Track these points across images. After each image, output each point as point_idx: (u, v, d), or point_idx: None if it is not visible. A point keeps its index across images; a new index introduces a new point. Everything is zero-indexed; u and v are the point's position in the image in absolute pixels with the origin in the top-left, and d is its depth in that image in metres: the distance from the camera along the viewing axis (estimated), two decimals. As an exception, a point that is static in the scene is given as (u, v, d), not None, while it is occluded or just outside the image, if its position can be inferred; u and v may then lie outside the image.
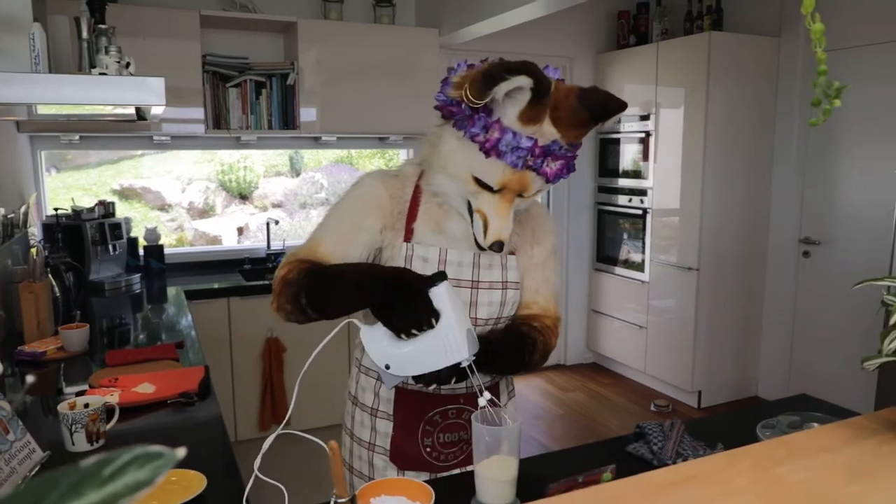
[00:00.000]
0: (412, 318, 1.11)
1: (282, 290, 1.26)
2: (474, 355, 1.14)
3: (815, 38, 1.01)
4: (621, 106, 1.18)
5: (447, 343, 1.11)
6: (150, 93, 1.55)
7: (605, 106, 1.18)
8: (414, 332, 1.12)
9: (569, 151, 1.20)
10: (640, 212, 4.49)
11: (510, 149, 1.15)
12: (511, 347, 1.31)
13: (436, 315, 1.11)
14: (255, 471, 1.07)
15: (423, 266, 1.31)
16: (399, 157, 4.57)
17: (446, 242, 1.32)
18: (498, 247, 1.23)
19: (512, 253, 1.38)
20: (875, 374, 3.24)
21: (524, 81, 1.11)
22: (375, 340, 1.18)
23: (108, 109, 2.02)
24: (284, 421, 1.12)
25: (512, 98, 1.14)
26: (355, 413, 1.46)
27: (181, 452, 0.42)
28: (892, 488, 0.94)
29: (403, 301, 1.12)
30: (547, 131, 1.17)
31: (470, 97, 1.10)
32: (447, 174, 1.24)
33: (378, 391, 1.41)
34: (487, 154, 1.17)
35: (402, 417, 1.37)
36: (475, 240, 1.26)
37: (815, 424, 1.45)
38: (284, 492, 1.10)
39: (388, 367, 1.16)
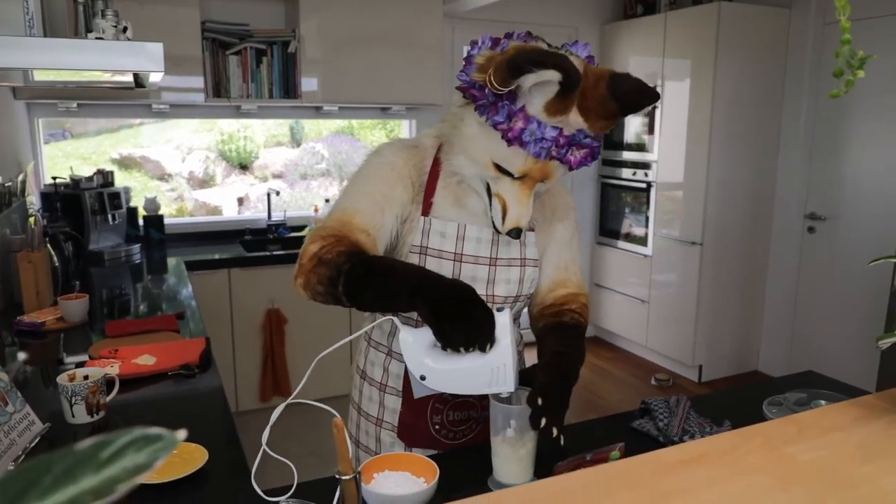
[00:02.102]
0: (473, 335, 1.04)
1: (314, 268, 1.16)
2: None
3: (839, 5, 0.97)
4: (653, 97, 1.12)
5: (496, 373, 1.05)
6: (148, 59, 1.51)
7: (637, 98, 1.11)
8: (464, 349, 1.05)
9: (594, 140, 1.15)
10: (643, 185, 4.45)
11: (534, 139, 1.10)
12: (578, 351, 1.27)
13: (493, 340, 1.05)
14: (263, 445, 1.07)
15: (441, 241, 1.28)
16: (402, 127, 4.52)
17: (466, 218, 1.28)
18: (516, 233, 1.20)
19: (531, 230, 1.35)
20: (878, 352, 3.23)
21: (552, 76, 1.04)
22: (416, 347, 1.10)
23: (106, 76, 1.97)
24: (293, 395, 1.09)
25: (539, 88, 1.08)
26: (363, 388, 1.44)
27: (182, 434, 0.40)
28: (907, 469, 0.93)
29: (466, 316, 1.04)
30: (573, 121, 1.12)
31: (494, 84, 1.04)
32: (468, 157, 1.20)
33: (388, 366, 1.38)
34: (510, 143, 1.12)
35: (411, 394, 1.35)
36: (493, 223, 1.23)
37: (823, 402, 1.43)
38: (294, 470, 1.10)
39: (423, 377, 1.10)
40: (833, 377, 1.70)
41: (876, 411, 1.12)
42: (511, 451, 1.11)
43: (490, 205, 1.22)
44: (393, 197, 1.26)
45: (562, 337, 1.27)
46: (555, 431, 1.06)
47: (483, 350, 1.05)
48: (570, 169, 1.18)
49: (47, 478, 0.37)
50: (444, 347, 1.06)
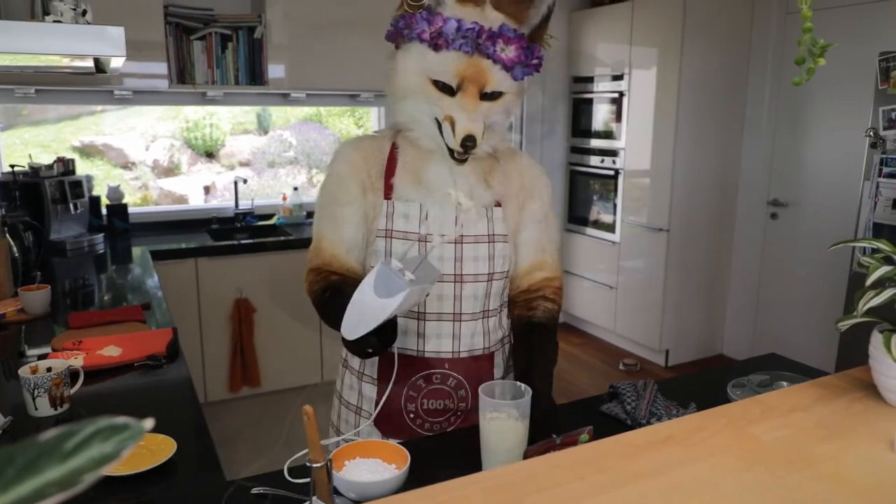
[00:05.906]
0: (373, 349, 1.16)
1: (313, 302, 1.35)
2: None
3: (801, -7, 0.99)
4: None
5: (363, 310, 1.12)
6: (108, 43, 1.48)
7: None
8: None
9: (522, 36, 1.20)
10: (611, 172, 4.49)
11: (457, 34, 1.16)
12: (553, 353, 1.36)
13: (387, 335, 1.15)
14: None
15: (405, 223, 1.29)
16: (370, 115, 4.48)
17: (426, 195, 1.30)
18: (471, 143, 1.20)
19: (498, 205, 1.35)
20: (837, 334, 3.32)
21: None
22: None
23: (65, 61, 1.92)
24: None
25: None
26: (345, 376, 1.45)
27: (149, 424, 0.39)
28: (865, 446, 0.96)
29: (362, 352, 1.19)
30: (491, 16, 1.18)
31: (409, 2, 1.14)
32: (407, 91, 1.24)
33: None
34: (437, 47, 1.17)
35: (385, 380, 1.34)
36: (450, 152, 1.24)
37: (785, 383, 1.47)
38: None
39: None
40: (795, 359, 1.74)
41: (836, 391, 1.15)
42: (502, 442, 1.10)
43: (442, 136, 1.24)
44: (345, 202, 1.33)
45: (537, 344, 1.34)
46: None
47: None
48: (506, 69, 1.20)
49: (10, 470, 0.36)
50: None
